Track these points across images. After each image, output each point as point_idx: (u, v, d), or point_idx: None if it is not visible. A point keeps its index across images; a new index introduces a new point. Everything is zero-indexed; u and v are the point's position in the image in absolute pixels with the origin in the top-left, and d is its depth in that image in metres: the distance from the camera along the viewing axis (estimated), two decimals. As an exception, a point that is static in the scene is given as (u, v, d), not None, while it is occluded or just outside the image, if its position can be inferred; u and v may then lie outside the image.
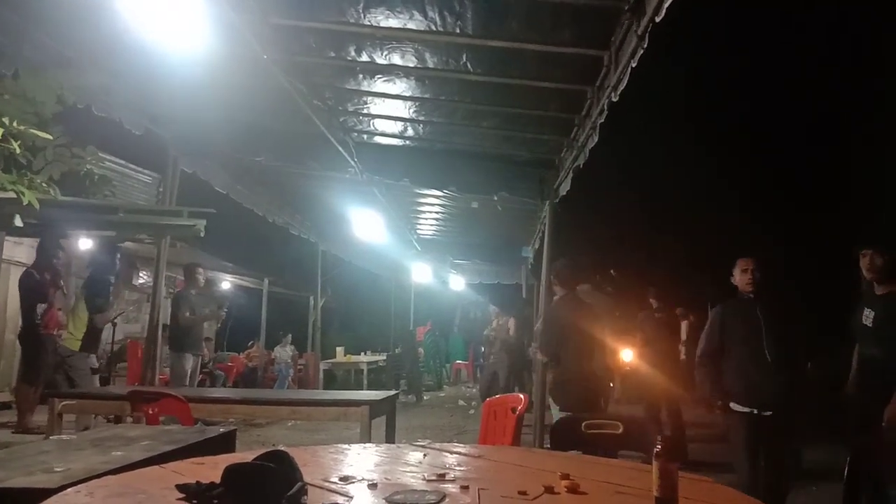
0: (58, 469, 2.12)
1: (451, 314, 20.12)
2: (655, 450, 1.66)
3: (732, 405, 3.93)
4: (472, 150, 6.17)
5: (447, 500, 1.66)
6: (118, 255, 6.32)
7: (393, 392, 5.67)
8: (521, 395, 3.57)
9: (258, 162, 6.70)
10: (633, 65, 3.54)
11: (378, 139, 6.35)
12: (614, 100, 3.96)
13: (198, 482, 1.66)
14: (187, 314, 7.40)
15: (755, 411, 3.85)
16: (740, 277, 4.06)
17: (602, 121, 4.32)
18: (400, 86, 5.01)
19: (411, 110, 5.50)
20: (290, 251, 13.20)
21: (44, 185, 4.99)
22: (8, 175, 4.68)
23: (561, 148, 5.60)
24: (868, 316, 3.90)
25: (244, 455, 1.97)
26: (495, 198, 6.70)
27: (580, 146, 4.95)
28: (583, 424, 2.93)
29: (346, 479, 1.86)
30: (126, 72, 4.96)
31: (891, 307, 3.79)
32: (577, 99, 4.65)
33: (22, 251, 9.69)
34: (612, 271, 6.11)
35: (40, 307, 6.69)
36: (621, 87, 3.81)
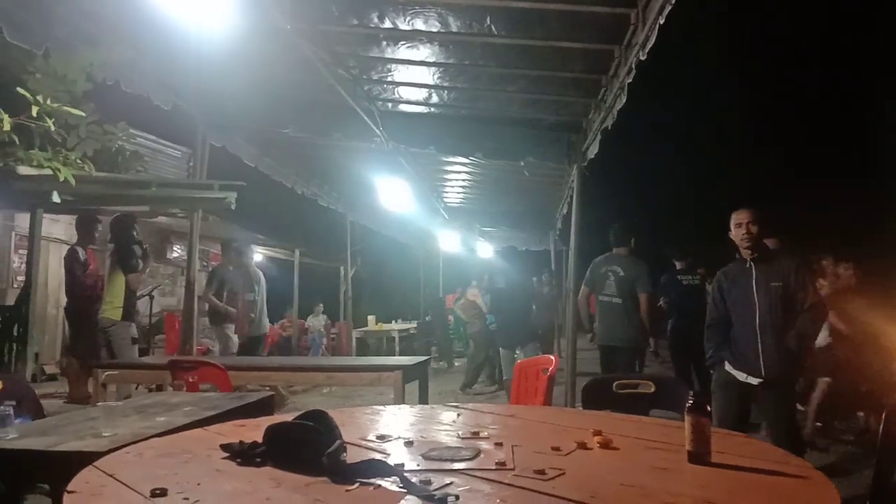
0: (106, 434, 2.21)
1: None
2: (687, 404, 1.67)
3: (726, 366, 3.80)
4: (497, 116, 6.11)
5: (481, 455, 1.70)
6: (135, 226, 6.38)
7: (425, 357, 5.74)
8: (553, 357, 3.60)
9: (285, 134, 6.72)
10: (661, 21, 3.46)
11: (403, 107, 6.33)
12: (642, 58, 3.88)
13: (241, 442, 1.72)
14: (211, 294, 7.39)
15: (743, 377, 3.69)
16: (735, 233, 3.78)
17: (630, 80, 4.24)
18: (423, 52, 4.97)
19: (435, 76, 5.46)
20: (319, 222, 13.32)
21: (78, 161, 5.08)
22: (44, 153, 4.79)
23: (588, 110, 5.52)
24: None
25: (284, 417, 2.03)
26: (522, 163, 6.64)
27: (608, 107, 4.88)
28: (614, 385, 2.95)
29: (382, 438, 1.92)
30: (152, 47, 4.99)
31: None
32: (604, 59, 4.57)
33: (59, 228, 9.91)
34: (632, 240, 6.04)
35: (84, 283, 6.87)
36: (649, 45, 3.73)
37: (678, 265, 7.18)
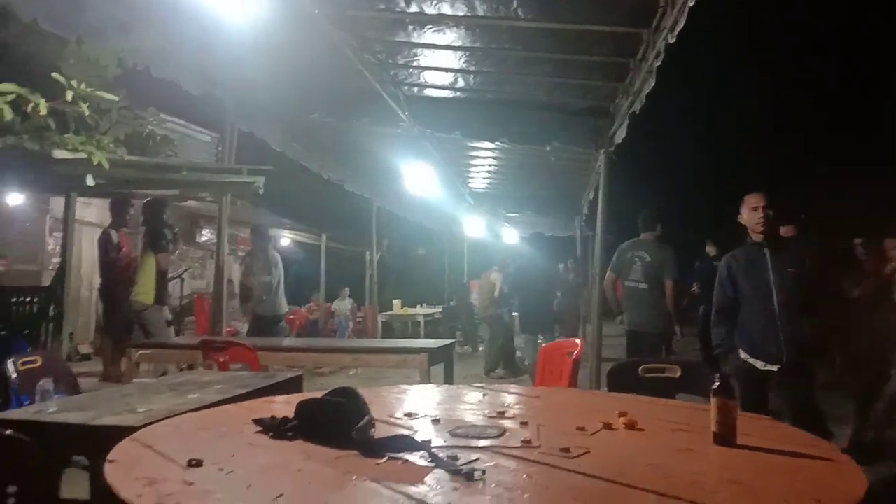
0: (140, 410, 2.29)
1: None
2: (713, 386, 1.68)
3: (741, 353, 3.71)
4: (523, 100, 6.08)
5: (507, 433, 1.73)
6: (167, 210, 6.52)
7: (450, 341, 5.78)
8: (578, 340, 3.60)
9: (312, 119, 6.76)
10: (691, 4, 3.41)
11: (429, 92, 6.33)
12: (671, 42, 3.83)
13: (273, 417, 1.77)
14: (249, 277, 7.53)
15: (762, 365, 3.61)
16: (749, 216, 3.68)
17: (659, 64, 4.19)
18: (450, 36, 4.96)
19: (461, 61, 5.45)
20: (345, 207, 13.38)
21: (111, 145, 5.17)
22: (78, 136, 4.88)
23: (616, 94, 5.47)
24: None
25: (314, 394, 2.08)
26: (548, 148, 6.60)
27: (636, 91, 4.83)
28: (640, 368, 2.96)
29: (410, 415, 1.95)
30: (182, 34, 5.03)
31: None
32: (632, 42, 4.51)
33: (92, 212, 10.11)
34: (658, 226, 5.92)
35: (117, 264, 7.03)
36: (678, 28, 3.67)
37: (712, 251, 7.10)
